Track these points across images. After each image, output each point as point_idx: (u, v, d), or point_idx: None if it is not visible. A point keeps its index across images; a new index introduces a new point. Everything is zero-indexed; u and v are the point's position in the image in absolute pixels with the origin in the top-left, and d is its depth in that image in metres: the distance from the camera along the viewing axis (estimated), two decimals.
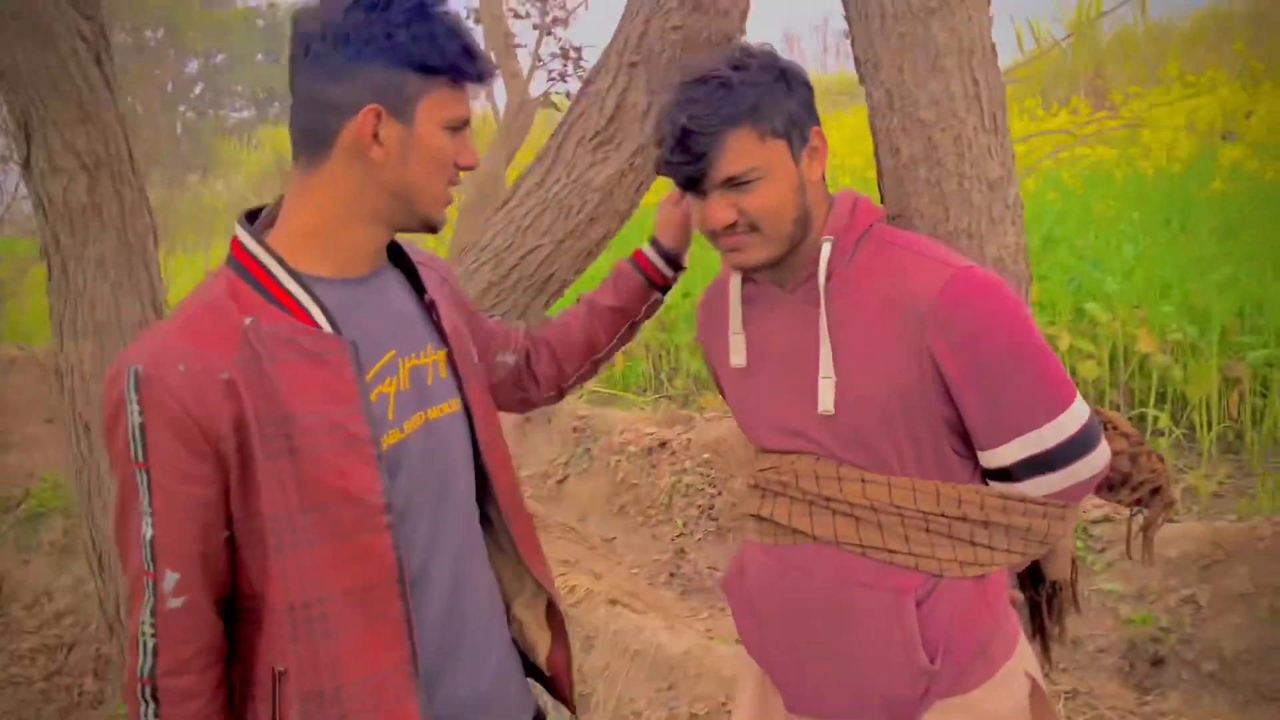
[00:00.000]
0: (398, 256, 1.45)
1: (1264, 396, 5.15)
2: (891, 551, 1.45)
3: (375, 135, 1.27)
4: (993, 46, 1.56)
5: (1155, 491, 1.68)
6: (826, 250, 1.46)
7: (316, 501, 1.26)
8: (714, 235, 1.46)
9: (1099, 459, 1.46)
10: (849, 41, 1.62)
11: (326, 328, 1.29)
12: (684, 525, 4.77)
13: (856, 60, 1.63)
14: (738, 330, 1.56)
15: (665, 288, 1.76)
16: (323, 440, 1.26)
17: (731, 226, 1.42)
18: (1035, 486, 1.45)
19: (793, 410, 1.51)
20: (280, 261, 1.30)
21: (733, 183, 1.41)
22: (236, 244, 1.33)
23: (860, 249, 1.48)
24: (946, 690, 1.46)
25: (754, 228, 1.42)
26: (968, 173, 1.56)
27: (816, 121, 1.47)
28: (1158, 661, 3.36)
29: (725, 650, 3.07)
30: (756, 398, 1.57)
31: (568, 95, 6.17)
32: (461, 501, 1.43)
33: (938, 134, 1.55)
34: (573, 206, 2.95)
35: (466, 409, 1.45)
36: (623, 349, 1.77)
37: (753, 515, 1.59)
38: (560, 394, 1.78)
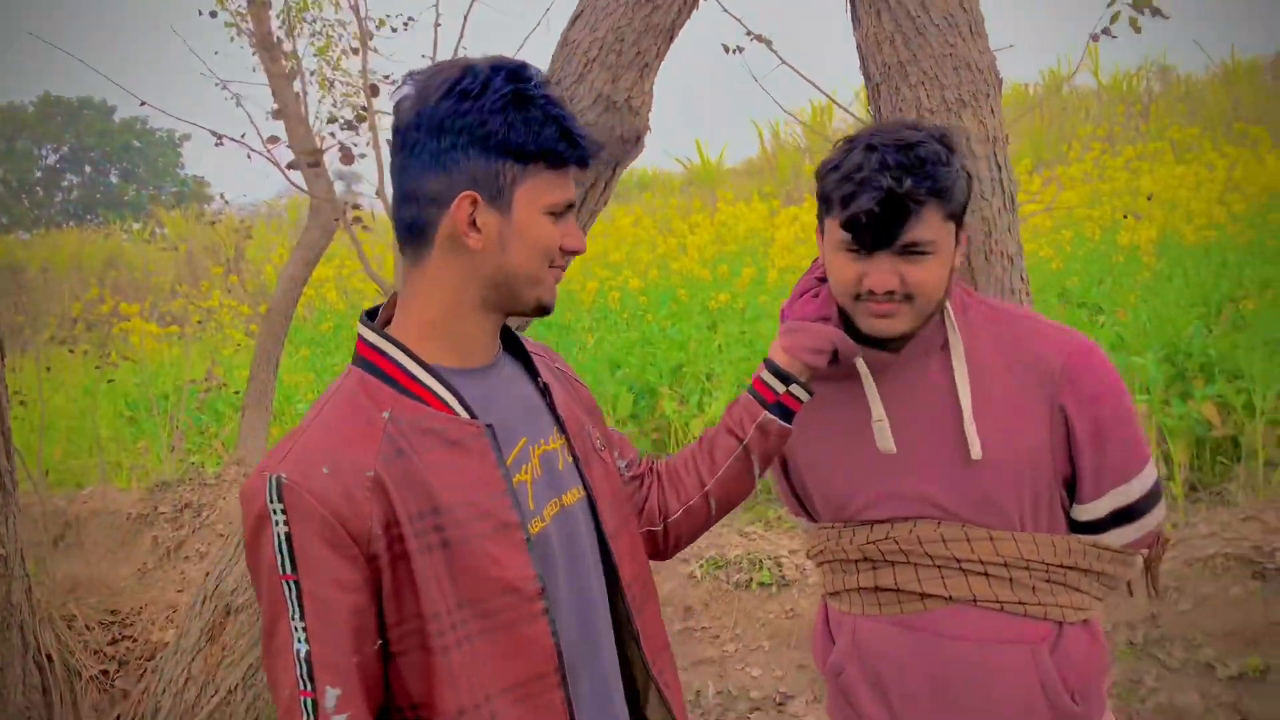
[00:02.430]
0: (512, 344, 1.42)
1: None
2: (1024, 604, 1.52)
3: (473, 223, 1.24)
4: (1005, 136, 1.73)
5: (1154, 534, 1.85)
6: (950, 310, 1.54)
7: (474, 594, 1.21)
8: (861, 298, 1.48)
9: (1163, 509, 1.61)
10: None
11: (463, 414, 1.25)
12: None
13: None
14: (881, 418, 1.55)
15: (776, 406, 1.53)
16: (474, 529, 1.22)
17: (889, 293, 1.46)
18: (1117, 536, 1.58)
19: (919, 474, 1.55)
20: (408, 353, 1.26)
21: (909, 249, 1.45)
22: (361, 343, 1.28)
23: (971, 314, 1.57)
24: None
25: (909, 298, 1.47)
26: (993, 249, 1.71)
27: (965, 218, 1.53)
28: None
29: None
30: (865, 470, 1.60)
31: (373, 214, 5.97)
32: (595, 592, 1.38)
33: (969, 214, 1.69)
34: None
35: (589, 496, 1.40)
36: (746, 493, 1.56)
37: (866, 588, 1.60)
38: (669, 536, 1.56)
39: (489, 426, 1.25)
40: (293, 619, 1.14)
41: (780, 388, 1.53)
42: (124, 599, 3.93)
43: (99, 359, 5.54)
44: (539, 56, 2.62)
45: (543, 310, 1.32)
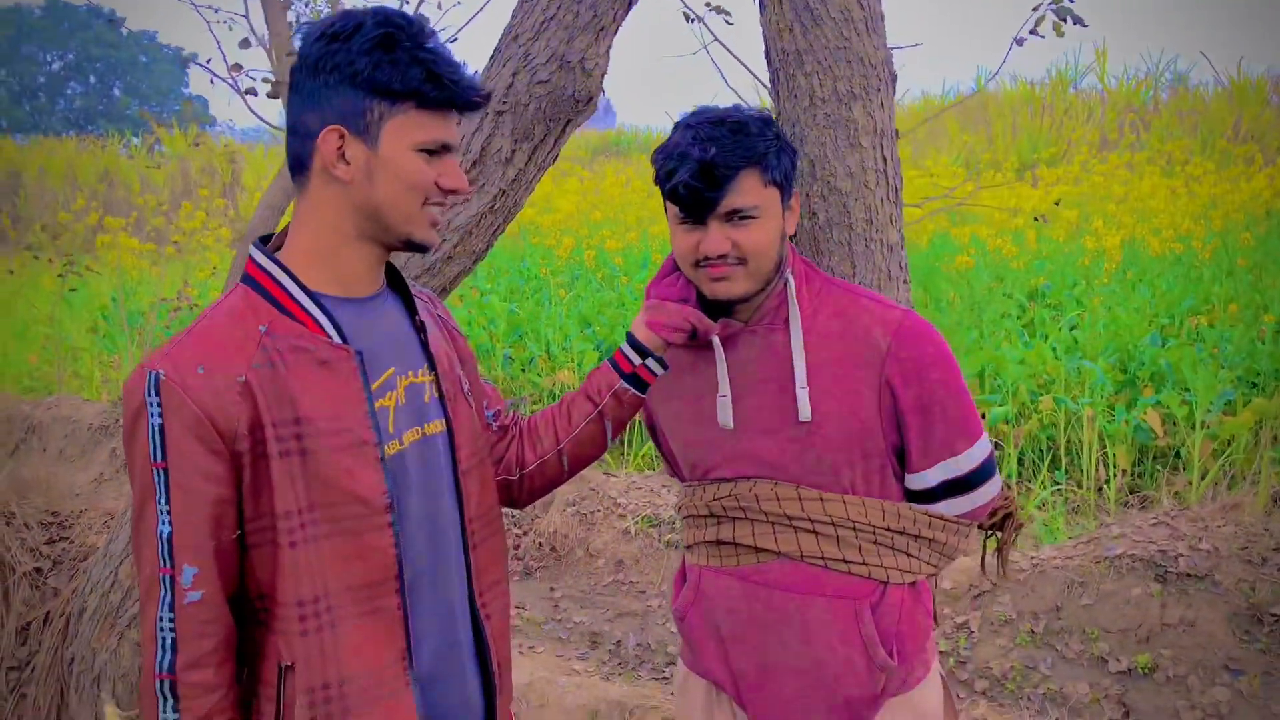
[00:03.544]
0: (396, 282, 1.51)
1: (1000, 448, 5.83)
2: (849, 562, 1.64)
3: (342, 155, 1.33)
4: (895, 130, 1.82)
5: (1007, 517, 1.96)
6: (793, 282, 1.66)
7: (324, 499, 1.32)
8: (700, 264, 1.61)
9: (996, 485, 1.72)
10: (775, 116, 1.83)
11: (335, 338, 1.35)
12: None
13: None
14: (725, 393, 1.68)
15: (632, 377, 1.67)
16: (331, 441, 1.32)
17: (723, 256, 1.59)
18: (950, 507, 1.68)
19: (761, 436, 1.66)
20: (291, 276, 1.35)
21: (734, 215, 1.58)
22: (251, 263, 1.38)
23: (814, 288, 1.68)
24: (897, 689, 1.65)
25: (742, 261, 1.59)
26: (874, 237, 1.80)
27: (794, 186, 1.66)
28: None
29: (565, 680, 3.16)
30: (715, 433, 1.70)
31: None
32: (447, 518, 1.48)
33: (852, 202, 1.78)
34: None
35: (449, 430, 1.50)
36: (598, 454, 1.70)
37: (710, 541, 1.72)
38: (524, 486, 1.69)
39: (358, 352, 1.36)
40: (159, 502, 1.26)
41: (637, 360, 1.66)
42: (68, 502, 4.04)
43: (63, 268, 5.60)
44: (508, 10, 2.73)
45: (416, 247, 1.40)
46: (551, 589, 4.65)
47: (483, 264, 9.67)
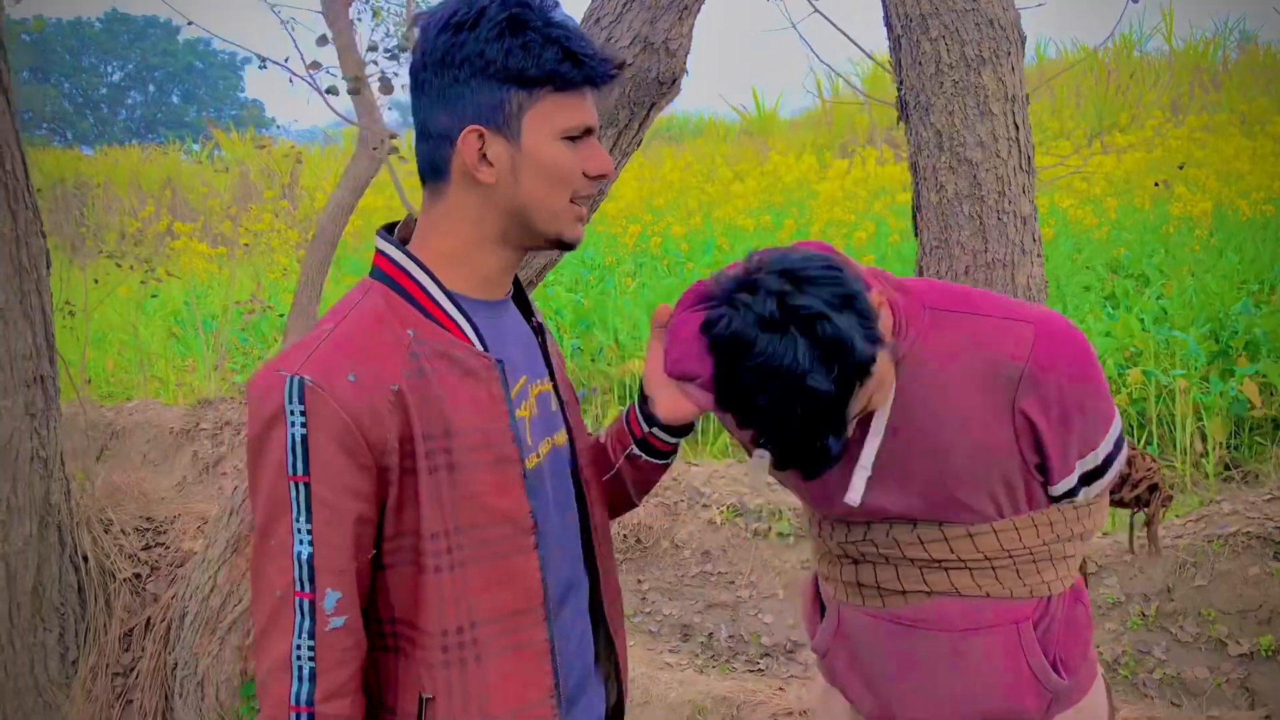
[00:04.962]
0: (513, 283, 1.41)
1: None
2: (1010, 589, 1.50)
3: (484, 157, 1.22)
4: (1026, 96, 1.71)
5: (1153, 489, 1.83)
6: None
7: (471, 520, 1.22)
8: None
9: (1124, 455, 1.56)
10: (896, 85, 1.74)
11: (478, 345, 1.26)
12: None
13: (902, 103, 1.74)
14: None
15: (643, 442, 1.47)
16: (478, 456, 1.23)
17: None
18: (1088, 492, 1.54)
19: (886, 491, 1.49)
20: (432, 277, 1.25)
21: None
22: (385, 259, 1.28)
23: (913, 330, 1.45)
24: (1067, 701, 1.53)
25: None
26: (1006, 209, 1.70)
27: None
28: None
29: (667, 676, 3.10)
30: (835, 486, 1.51)
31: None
32: (577, 533, 1.40)
33: (982, 173, 1.68)
34: None
35: (570, 440, 1.42)
36: (623, 511, 1.55)
37: (850, 582, 1.58)
38: None
39: (499, 361, 1.27)
40: (296, 520, 1.15)
41: (645, 427, 1.47)
42: (160, 507, 4.07)
43: (144, 274, 5.66)
44: None
45: (564, 245, 1.29)
46: (639, 580, 4.60)
47: None
